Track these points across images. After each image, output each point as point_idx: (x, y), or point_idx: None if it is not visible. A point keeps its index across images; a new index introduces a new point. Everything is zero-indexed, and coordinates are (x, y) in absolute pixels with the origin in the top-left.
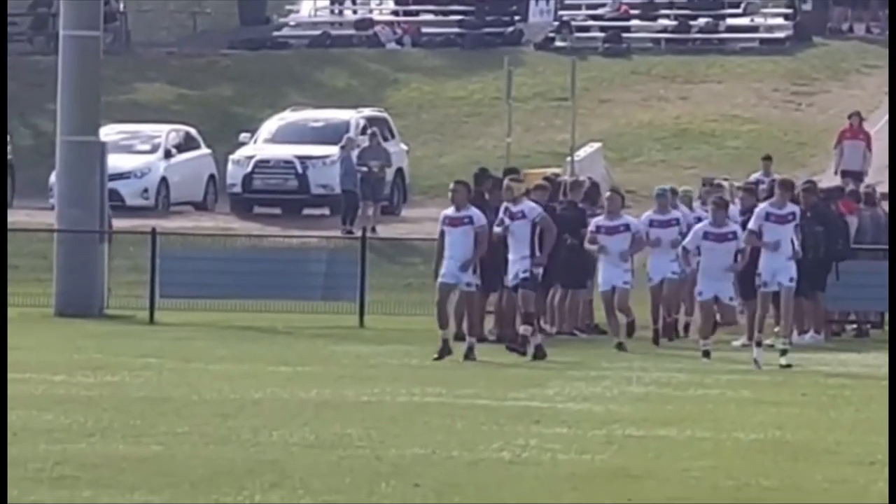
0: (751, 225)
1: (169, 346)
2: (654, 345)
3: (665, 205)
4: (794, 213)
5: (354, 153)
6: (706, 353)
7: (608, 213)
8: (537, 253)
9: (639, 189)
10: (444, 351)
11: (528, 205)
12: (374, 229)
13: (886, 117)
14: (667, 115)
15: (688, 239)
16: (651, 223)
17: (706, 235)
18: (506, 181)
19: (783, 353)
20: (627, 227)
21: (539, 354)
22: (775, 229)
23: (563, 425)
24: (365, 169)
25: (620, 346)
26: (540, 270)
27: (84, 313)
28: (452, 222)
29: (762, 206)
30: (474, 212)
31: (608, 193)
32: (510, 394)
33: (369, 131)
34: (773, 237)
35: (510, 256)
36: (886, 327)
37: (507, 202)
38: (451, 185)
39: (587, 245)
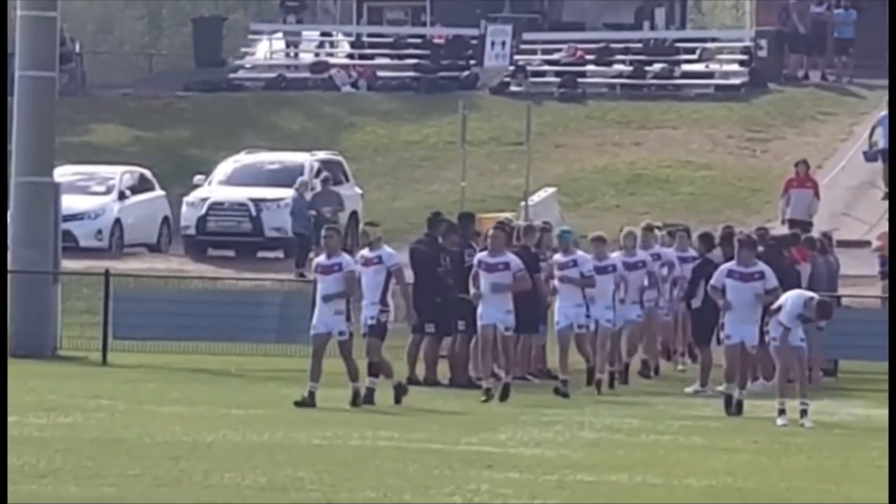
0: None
1: (121, 387)
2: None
3: (567, 247)
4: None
5: (308, 196)
6: (728, 399)
7: (491, 251)
8: (388, 300)
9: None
10: (308, 402)
11: (385, 251)
12: None
13: (842, 164)
14: (621, 160)
15: (713, 279)
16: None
17: (730, 274)
18: (362, 227)
19: (804, 413)
20: (507, 265)
21: (367, 400)
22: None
23: (514, 470)
24: (314, 213)
25: (488, 393)
26: (387, 318)
27: (37, 354)
28: (324, 270)
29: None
30: (345, 258)
31: (490, 230)
32: (462, 438)
33: (321, 176)
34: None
35: (363, 302)
36: (839, 374)
37: (364, 248)
38: (323, 232)
39: (471, 285)
